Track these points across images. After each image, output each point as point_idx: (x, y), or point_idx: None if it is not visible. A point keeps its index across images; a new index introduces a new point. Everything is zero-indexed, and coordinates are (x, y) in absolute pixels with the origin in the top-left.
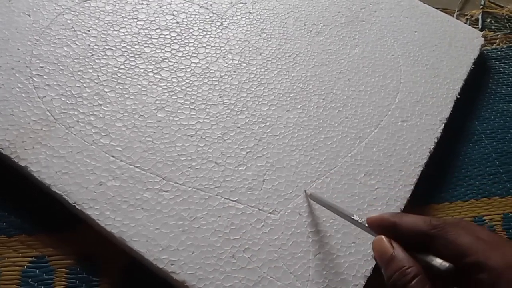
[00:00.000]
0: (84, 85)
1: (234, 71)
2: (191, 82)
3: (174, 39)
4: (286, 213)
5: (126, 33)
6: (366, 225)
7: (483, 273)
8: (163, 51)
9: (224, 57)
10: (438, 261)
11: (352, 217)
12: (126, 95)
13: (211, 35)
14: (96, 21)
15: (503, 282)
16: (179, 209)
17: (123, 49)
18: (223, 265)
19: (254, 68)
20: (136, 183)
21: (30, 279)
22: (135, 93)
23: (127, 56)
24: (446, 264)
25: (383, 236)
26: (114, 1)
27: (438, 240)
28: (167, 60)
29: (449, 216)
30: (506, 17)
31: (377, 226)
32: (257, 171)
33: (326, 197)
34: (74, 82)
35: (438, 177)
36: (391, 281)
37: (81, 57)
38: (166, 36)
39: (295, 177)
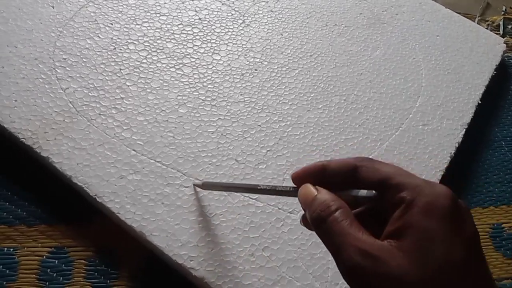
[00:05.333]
0: (107, 78)
1: (256, 69)
2: (212, 78)
3: (196, 35)
4: None
5: (149, 28)
6: (281, 187)
7: (404, 192)
8: (185, 47)
9: (245, 55)
10: (362, 191)
11: (259, 188)
12: (148, 90)
13: (233, 33)
14: (119, 14)
15: (423, 195)
16: (199, 205)
17: (145, 44)
18: (242, 263)
19: (275, 67)
20: (157, 178)
21: (49, 269)
22: (157, 88)
23: (149, 51)
24: (371, 192)
25: (308, 184)
26: None
27: (364, 168)
28: (189, 56)
29: None
30: None
31: (302, 178)
32: (277, 170)
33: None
34: (97, 75)
35: (458, 183)
36: (314, 216)
37: (103, 50)
38: (189, 32)
39: None
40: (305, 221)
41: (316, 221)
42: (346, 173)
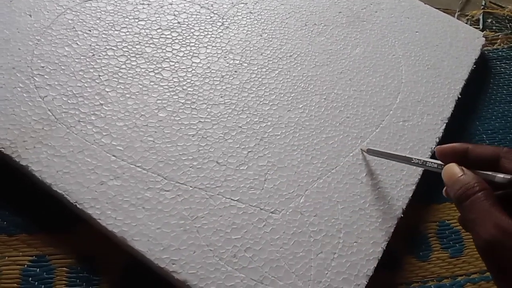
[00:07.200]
0: (85, 84)
1: (235, 71)
2: (192, 82)
3: (175, 39)
4: (287, 213)
5: (127, 33)
6: (430, 163)
7: None
8: (164, 51)
9: (225, 57)
10: (504, 176)
11: (412, 161)
12: (127, 95)
13: (212, 35)
14: (97, 21)
15: None
16: (181, 209)
17: (124, 49)
18: (224, 264)
19: (255, 68)
20: (137, 183)
21: (30, 278)
22: (136, 93)
23: (128, 56)
24: (508, 176)
25: (454, 163)
26: (115, 1)
27: (507, 160)
28: (168, 60)
29: (450, 216)
30: (507, 17)
31: (447, 155)
32: (258, 171)
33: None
34: (75, 82)
35: (440, 177)
36: (458, 193)
37: (82, 57)
38: (167, 36)
39: (297, 177)
40: (446, 193)
41: (459, 198)
42: (489, 161)
